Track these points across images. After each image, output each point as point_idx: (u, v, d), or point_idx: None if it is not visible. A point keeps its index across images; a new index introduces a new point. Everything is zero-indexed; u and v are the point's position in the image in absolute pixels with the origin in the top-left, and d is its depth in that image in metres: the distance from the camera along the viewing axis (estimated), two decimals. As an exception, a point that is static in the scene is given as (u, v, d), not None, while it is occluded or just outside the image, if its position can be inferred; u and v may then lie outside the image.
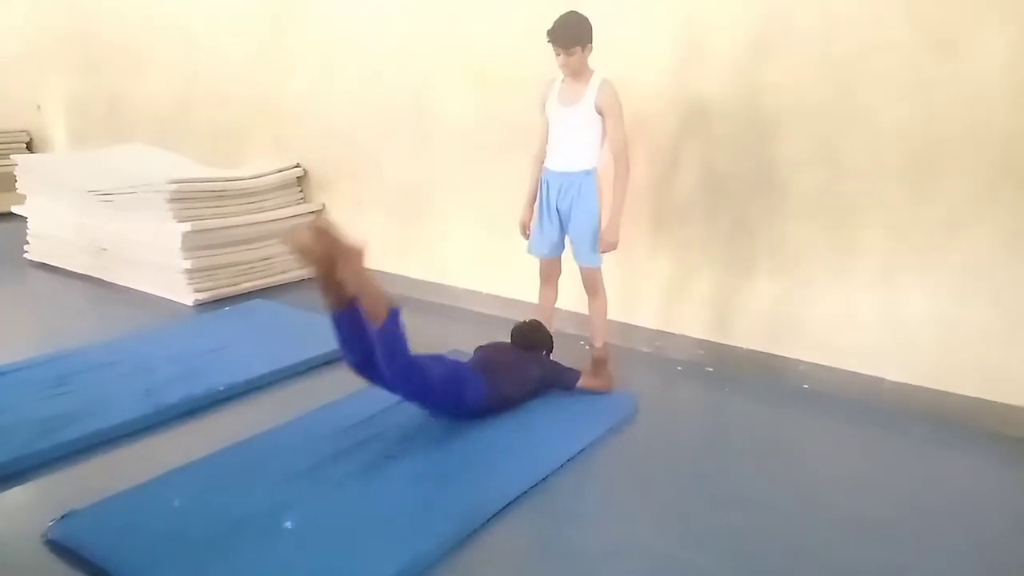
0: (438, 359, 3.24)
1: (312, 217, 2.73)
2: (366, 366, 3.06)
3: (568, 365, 3.64)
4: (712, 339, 4.18)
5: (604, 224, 3.65)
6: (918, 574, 2.45)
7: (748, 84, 3.80)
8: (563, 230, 3.76)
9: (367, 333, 2.91)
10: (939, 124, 3.39)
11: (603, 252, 3.69)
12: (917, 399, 3.60)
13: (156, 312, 4.81)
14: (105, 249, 5.32)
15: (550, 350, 3.74)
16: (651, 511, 2.76)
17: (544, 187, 3.74)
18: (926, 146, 3.43)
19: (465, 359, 3.45)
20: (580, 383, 3.58)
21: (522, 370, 3.45)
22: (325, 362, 3.97)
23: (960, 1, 3.27)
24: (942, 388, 3.56)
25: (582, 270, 3.78)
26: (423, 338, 4.30)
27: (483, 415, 3.27)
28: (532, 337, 3.68)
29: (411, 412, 3.30)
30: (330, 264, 2.82)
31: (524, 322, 3.75)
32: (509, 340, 3.68)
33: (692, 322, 4.23)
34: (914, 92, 3.42)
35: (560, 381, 3.58)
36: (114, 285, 5.29)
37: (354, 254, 2.84)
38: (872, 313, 3.69)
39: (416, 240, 5.25)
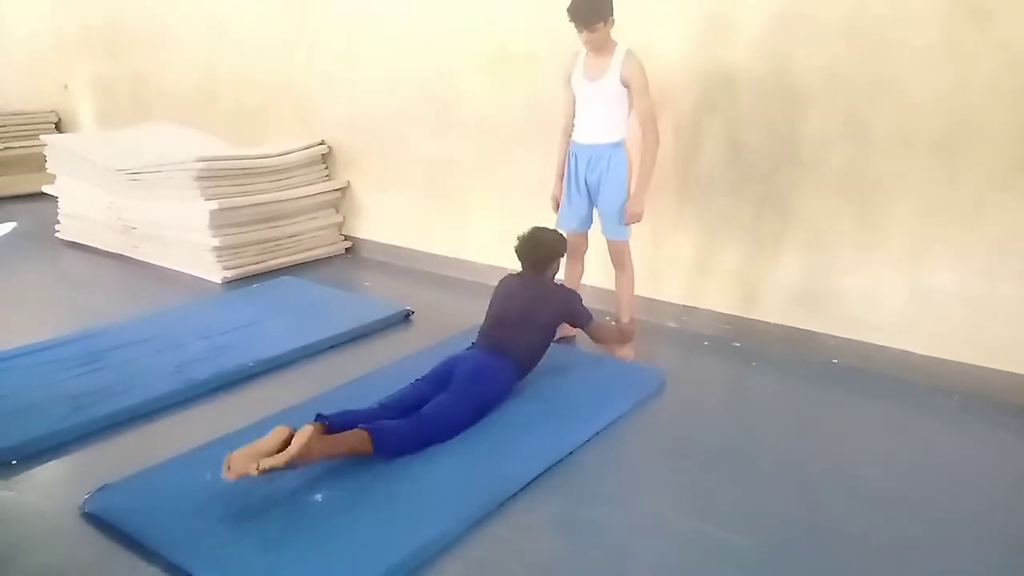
0: (454, 368, 3.13)
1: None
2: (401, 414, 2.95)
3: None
4: (739, 314, 4.15)
5: (630, 195, 3.62)
6: (947, 550, 2.43)
7: (775, 55, 3.73)
8: (591, 203, 3.74)
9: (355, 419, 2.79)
10: (970, 96, 3.32)
11: (628, 224, 3.67)
12: (946, 373, 3.56)
13: (185, 290, 4.87)
14: (134, 228, 5.37)
15: (561, 254, 3.55)
16: (677, 486, 2.76)
17: (572, 160, 3.72)
18: (956, 119, 3.37)
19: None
20: (593, 325, 3.51)
21: (534, 322, 3.33)
22: (353, 338, 4.01)
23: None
24: (971, 362, 3.51)
25: (610, 243, 3.77)
26: (450, 313, 4.36)
27: (519, 378, 3.29)
28: (540, 251, 3.46)
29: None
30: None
31: (525, 236, 3.49)
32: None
33: (719, 297, 4.20)
34: (945, 63, 3.34)
35: (575, 316, 3.48)
36: (144, 263, 5.35)
37: (291, 457, 2.50)
38: (901, 288, 3.64)
39: (440, 216, 5.25)
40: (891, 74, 3.48)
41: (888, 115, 3.52)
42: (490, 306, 3.48)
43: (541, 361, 3.41)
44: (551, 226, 3.69)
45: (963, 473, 2.89)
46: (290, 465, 2.48)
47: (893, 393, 3.54)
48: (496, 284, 3.58)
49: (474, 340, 3.39)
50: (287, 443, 2.55)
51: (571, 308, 3.48)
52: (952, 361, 3.56)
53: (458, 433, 2.96)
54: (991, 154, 3.32)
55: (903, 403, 3.46)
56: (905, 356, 3.67)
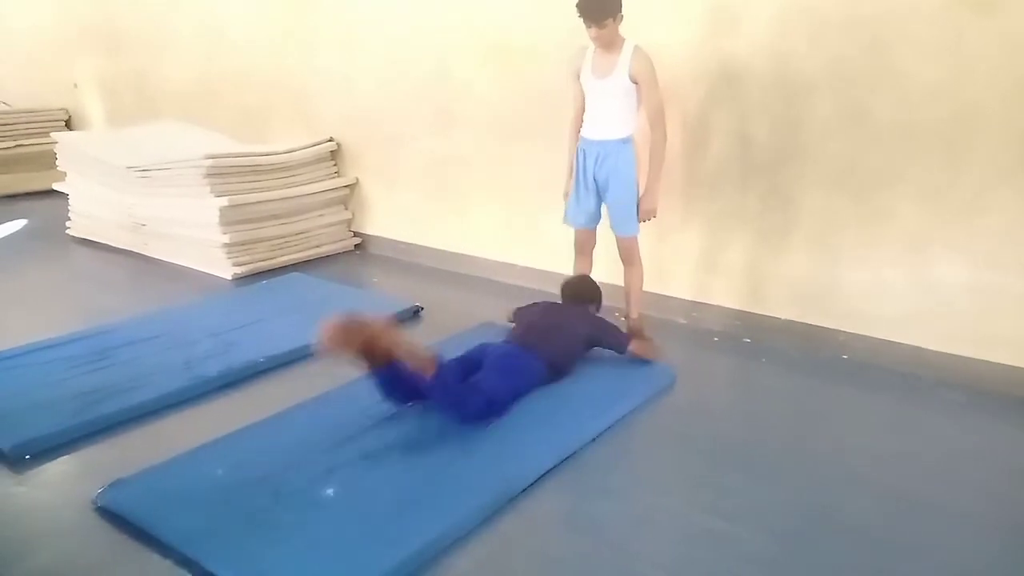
0: (484, 355, 3.19)
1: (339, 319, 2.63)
2: (410, 399, 3.06)
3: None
4: (748, 309, 4.14)
5: (642, 192, 3.62)
6: (954, 543, 2.43)
7: (778, 49, 3.72)
8: (600, 199, 3.74)
9: (407, 381, 2.91)
10: (972, 87, 3.31)
11: (642, 220, 3.67)
12: (955, 368, 3.55)
13: (195, 286, 4.88)
14: (144, 224, 5.39)
15: (599, 305, 3.75)
16: (686, 482, 2.76)
17: (581, 156, 3.72)
18: (959, 109, 3.36)
19: (498, 332, 3.43)
20: (631, 348, 3.55)
21: (570, 331, 3.44)
22: (361, 334, 4.00)
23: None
24: (980, 356, 3.51)
25: (619, 240, 3.77)
26: (459, 310, 4.36)
27: (548, 382, 3.31)
28: (581, 290, 3.73)
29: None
30: (366, 346, 2.79)
31: (572, 276, 3.83)
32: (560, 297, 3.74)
33: (727, 292, 4.19)
34: (948, 53, 3.33)
35: (608, 340, 3.56)
36: (154, 260, 5.37)
37: (386, 330, 2.80)
38: (907, 281, 3.63)
39: (446, 212, 5.25)
40: (893, 66, 3.47)
41: (891, 106, 3.51)
42: (521, 316, 3.61)
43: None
44: (558, 221, 3.76)
45: (970, 467, 2.88)
46: (365, 332, 2.72)
47: (902, 388, 3.53)
48: (528, 306, 3.70)
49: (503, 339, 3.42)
50: (388, 334, 2.77)
51: (603, 331, 3.56)
52: (959, 356, 3.55)
53: (499, 409, 3.02)
54: (993, 144, 3.31)
55: (911, 398, 3.45)
56: (914, 351, 3.66)
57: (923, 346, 3.64)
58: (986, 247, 3.41)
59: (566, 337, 3.41)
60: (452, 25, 4.85)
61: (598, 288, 3.78)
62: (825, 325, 3.91)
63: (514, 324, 3.62)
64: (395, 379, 2.92)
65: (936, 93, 3.39)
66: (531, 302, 3.79)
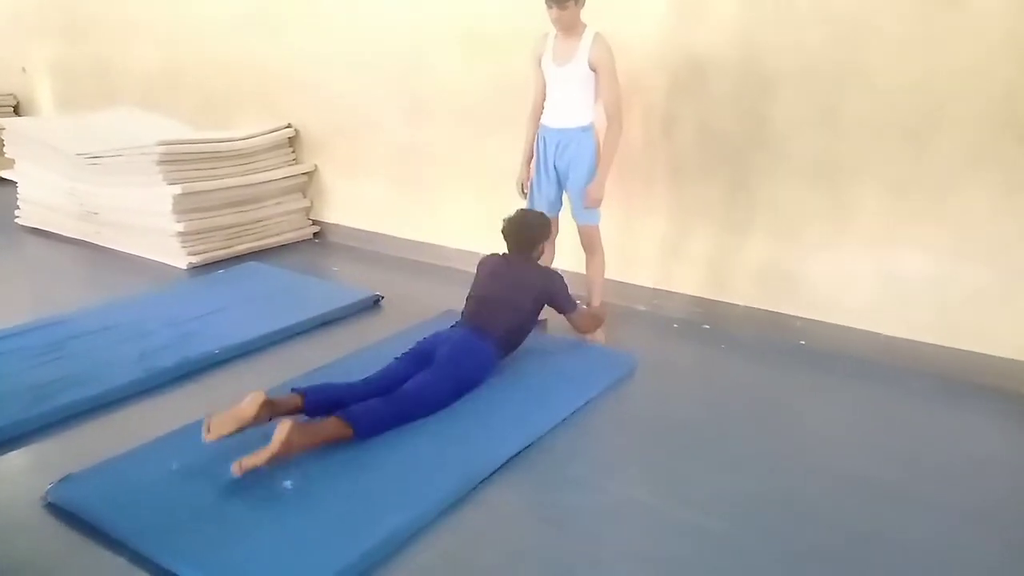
0: (436, 345, 3.14)
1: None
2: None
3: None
4: (709, 296, 4.16)
5: (592, 180, 3.61)
6: (918, 531, 2.46)
7: (745, 40, 3.74)
8: (561, 187, 3.73)
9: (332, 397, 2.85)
10: (940, 80, 3.35)
11: (587, 208, 3.66)
12: (914, 354, 3.60)
13: (149, 276, 4.78)
14: (96, 213, 5.26)
15: (547, 237, 3.57)
16: (649, 470, 2.77)
17: (541, 144, 3.70)
18: (925, 103, 3.40)
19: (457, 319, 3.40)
20: (574, 316, 3.52)
21: (521, 299, 3.35)
22: (321, 324, 3.97)
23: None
24: (939, 343, 3.56)
25: (580, 228, 3.76)
26: (420, 299, 4.33)
27: (500, 359, 3.31)
28: (527, 233, 3.47)
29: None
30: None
31: (512, 217, 3.50)
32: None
33: (689, 280, 4.21)
34: (914, 48, 3.37)
35: (557, 301, 3.48)
36: (107, 249, 5.25)
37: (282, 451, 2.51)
38: (869, 270, 3.68)
39: (411, 202, 5.20)
40: (863, 60, 3.49)
41: (858, 100, 3.54)
42: (473, 285, 3.49)
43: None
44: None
45: (932, 454, 2.92)
46: (271, 462, 2.47)
47: (862, 375, 3.57)
48: (478, 263, 3.57)
49: (456, 320, 3.38)
50: (264, 409, 2.61)
51: (555, 292, 3.47)
52: (919, 342, 3.61)
53: (437, 410, 2.97)
54: (958, 139, 3.35)
55: (870, 384, 3.50)
56: (872, 337, 3.71)
57: (882, 332, 3.68)
58: (948, 238, 3.46)
59: (517, 310, 3.34)
60: (424, 12, 4.78)
61: (543, 222, 3.54)
62: (784, 312, 3.95)
63: (468, 295, 3.48)
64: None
65: (903, 88, 3.42)
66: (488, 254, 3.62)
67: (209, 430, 2.56)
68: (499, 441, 2.81)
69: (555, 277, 3.50)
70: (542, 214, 3.61)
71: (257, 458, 2.45)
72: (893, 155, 3.51)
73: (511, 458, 2.73)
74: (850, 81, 3.54)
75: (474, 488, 2.56)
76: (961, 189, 3.38)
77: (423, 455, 2.70)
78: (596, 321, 3.72)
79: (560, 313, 3.54)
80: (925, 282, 3.55)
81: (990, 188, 3.33)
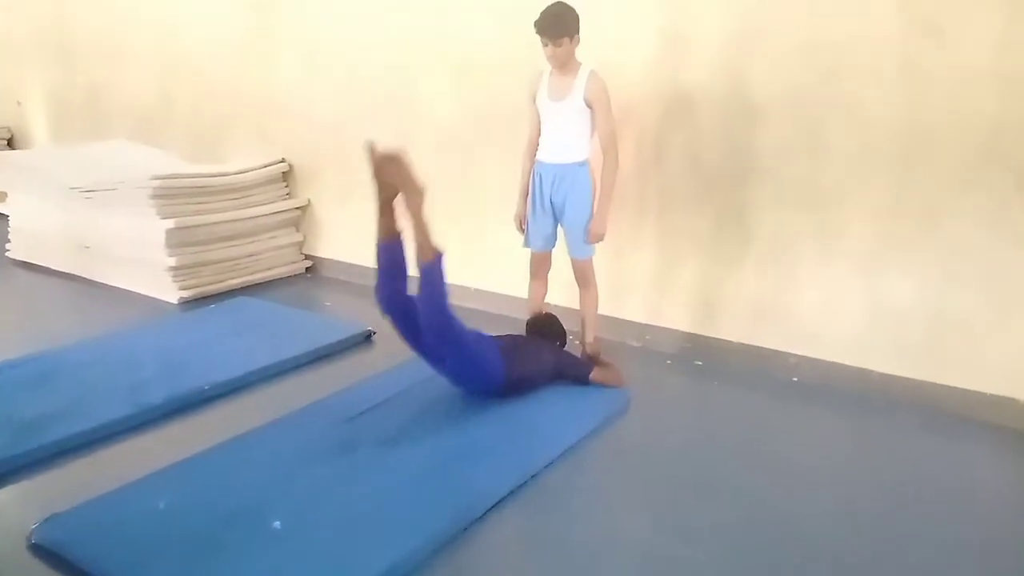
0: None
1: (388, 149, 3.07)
2: (393, 302, 3.26)
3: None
4: (700, 332, 4.16)
5: (593, 215, 3.63)
6: (908, 564, 2.44)
7: (734, 72, 3.77)
8: (556, 222, 3.75)
9: (403, 270, 3.25)
10: (925, 111, 3.37)
11: (590, 243, 3.68)
12: (905, 389, 3.60)
13: (140, 310, 4.76)
14: (88, 247, 5.25)
15: (564, 343, 3.79)
16: (643, 506, 2.75)
17: (537, 179, 3.72)
18: (911, 134, 3.42)
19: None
20: (593, 376, 3.58)
21: (537, 353, 3.50)
22: (313, 359, 3.94)
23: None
24: (929, 379, 3.56)
25: (575, 262, 3.77)
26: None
27: (501, 394, 3.32)
28: (547, 328, 3.78)
29: (399, 407, 3.27)
30: (395, 191, 3.12)
31: (539, 314, 3.88)
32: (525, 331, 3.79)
33: (680, 315, 4.21)
34: (901, 80, 3.40)
35: (573, 371, 3.59)
36: (98, 283, 5.22)
37: (418, 191, 3.08)
38: (859, 303, 3.68)
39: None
40: (847, 90, 3.53)
41: (844, 130, 3.57)
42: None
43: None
44: (517, 243, 3.83)
45: (923, 489, 2.91)
46: (403, 177, 3.10)
47: (854, 410, 3.57)
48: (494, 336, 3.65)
49: None
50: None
51: (567, 364, 3.61)
52: (909, 378, 3.60)
53: (447, 328, 3.15)
54: (942, 169, 3.38)
55: (864, 420, 3.49)
56: (863, 374, 3.71)
57: (874, 368, 3.69)
58: (936, 269, 3.47)
59: (534, 361, 3.46)
60: (414, 43, 4.82)
61: (563, 328, 3.83)
62: (775, 347, 3.94)
63: None
64: (393, 257, 3.23)
65: (889, 119, 3.46)
66: (496, 334, 3.72)
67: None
68: (493, 478, 2.78)
69: (568, 353, 3.70)
70: (561, 325, 3.84)
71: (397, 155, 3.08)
72: (880, 185, 3.53)
73: (505, 496, 2.70)
74: (835, 111, 3.57)
75: (468, 526, 2.53)
76: (947, 218, 3.41)
77: (416, 492, 2.67)
78: (613, 372, 3.70)
79: (582, 384, 3.57)
80: (914, 312, 3.55)
81: (976, 217, 3.35)
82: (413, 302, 3.20)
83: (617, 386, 3.61)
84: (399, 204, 3.12)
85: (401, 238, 3.22)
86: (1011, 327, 3.36)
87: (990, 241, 3.34)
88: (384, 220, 3.21)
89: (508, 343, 3.51)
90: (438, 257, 3.08)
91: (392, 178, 3.12)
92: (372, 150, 3.15)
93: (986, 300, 3.39)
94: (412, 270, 3.24)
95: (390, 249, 3.24)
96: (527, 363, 3.41)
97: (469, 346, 3.22)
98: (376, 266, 3.26)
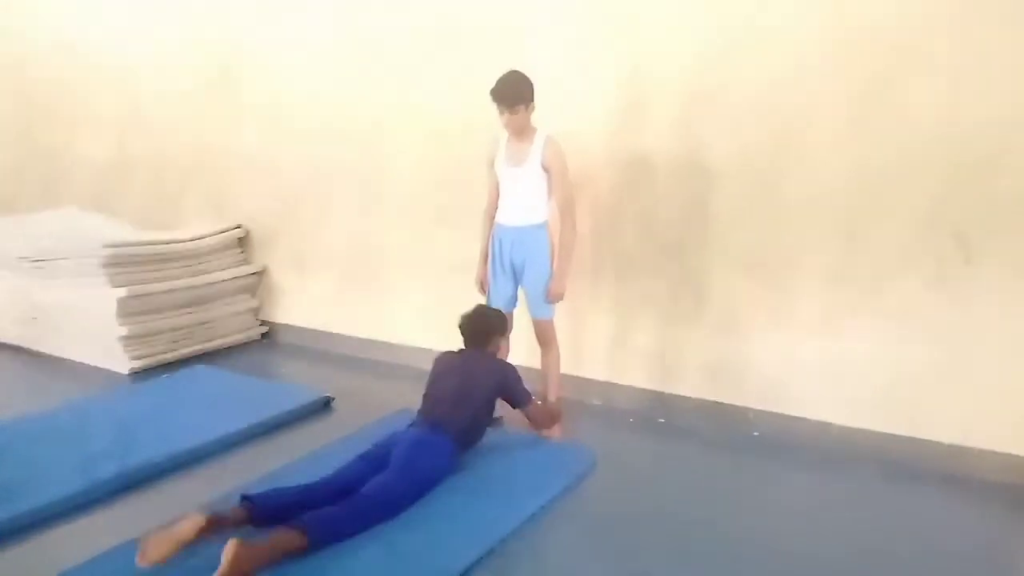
0: (393, 445, 3.08)
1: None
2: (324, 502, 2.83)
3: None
4: (661, 389, 4.18)
5: (552, 275, 3.67)
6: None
7: (688, 137, 3.88)
8: (516, 283, 3.78)
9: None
10: (872, 174, 3.51)
11: (550, 303, 3.71)
12: (863, 442, 3.65)
13: (90, 382, 4.63)
14: (35, 317, 5.12)
15: (503, 333, 3.67)
16: (611, 566, 2.70)
17: (497, 243, 3.76)
18: (859, 195, 3.55)
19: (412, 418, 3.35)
20: (530, 409, 3.51)
21: (478, 393, 3.35)
22: (270, 428, 3.86)
23: (892, 51, 3.41)
24: (886, 430, 3.62)
25: (536, 323, 3.79)
26: (372, 398, 4.26)
27: (458, 455, 3.26)
28: (482, 328, 3.56)
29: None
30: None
31: (469, 312, 3.60)
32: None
33: (640, 374, 4.23)
34: (848, 141, 3.54)
35: (513, 395, 3.47)
36: (45, 355, 5.08)
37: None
38: (814, 359, 3.75)
39: (362, 299, 5.17)
40: (798, 154, 3.65)
41: (797, 190, 3.68)
42: (428, 383, 3.46)
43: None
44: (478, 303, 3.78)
45: (886, 540, 2.93)
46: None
47: (815, 464, 3.59)
48: (434, 360, 3.58)
49: (412, 419, 3.33)
50: (206, 528, 2.49)
51: (508, 384, 3.46)
52: (867, 430, 3.66)
53: (396, 514, 2.88)
54: (894, 225, 3.50)
55: (825, 473, 3.52)
56: (822, 427, 3.75)
57: (833, 422, 3.73)
58: (887, 326, 3.56)
59: (473, 404, 3.32)
60: (377, 109, 4.87)
61: (500, 318, 3.67)
62: (735, 403, 3.98)
63: (424, 392, 3.47)
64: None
65: (838, 179, 3.58)
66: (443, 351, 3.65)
67: (144, 554, 2.41)
68: (456, 551, 2.70)
69: (509, 369, 3.52)
70: (499, 311, 3.68)
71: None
72: (831, 242, 3.64)
73: (472, 565, 2.64)
74: (786, 173, 3.69)
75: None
76: (898, 275, 3.51)
77: (379, 568, 2.59)
78: (552, 417, 3.70)
79: (514, 408, 3.52)
80: (868, 368, 3.63)
81: (924, 275, 3.46)
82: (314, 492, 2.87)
83: (547, 429, 3.65)
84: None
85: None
86: (960, 380, 3.46)
87: (935, 298, 3.45)
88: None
89: (440, 387, 3.37)
90: (310, 540, 2.59)
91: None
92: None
93: (935, 355, 3.49)
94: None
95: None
96: (463, 409, 3.27)
97: (410, 492, 2.99)
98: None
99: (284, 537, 2.56)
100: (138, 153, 6.24)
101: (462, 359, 3.49)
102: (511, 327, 3.91)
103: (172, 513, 2.85)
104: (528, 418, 3.57)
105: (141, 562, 2.40)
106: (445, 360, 3.53)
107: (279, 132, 5.37)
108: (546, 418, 3.65)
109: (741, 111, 3.74)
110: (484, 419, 3.41)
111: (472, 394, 3.33)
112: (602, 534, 2.95)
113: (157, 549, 2.41)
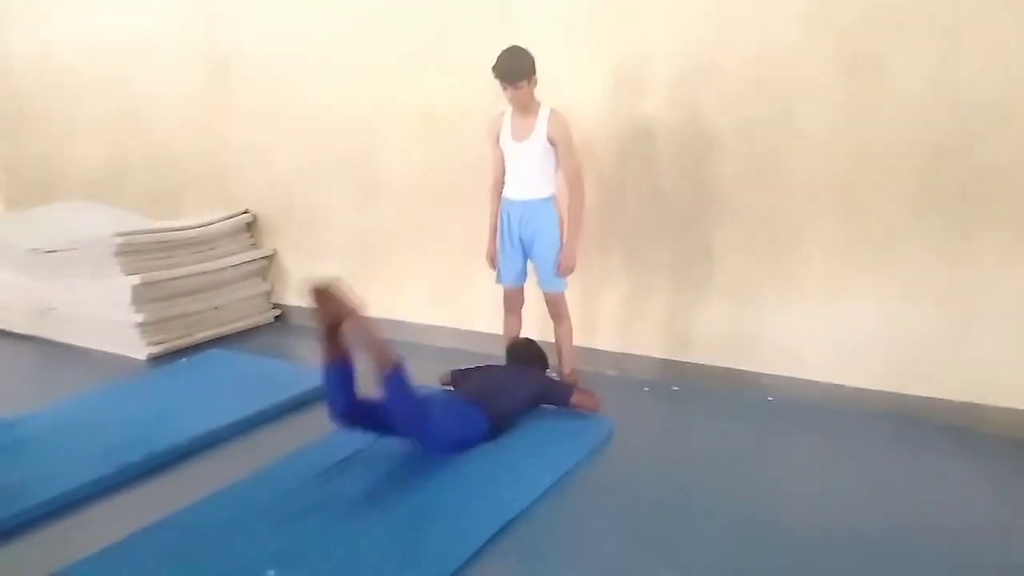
0: (436, 401, 3.28)
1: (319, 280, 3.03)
2: (348, 416, 3.17)
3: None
4: (675, 358, 4.22)
5: (562, 248, 3.69)
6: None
7: (689, 109, 3.90)
8: (526, 258, 3.80)
9: (351, 379, 3.12)
10: (872, 142, 3.54)
11: (562, 276, 3.73)
12: (876, 402, 3.70)
13: (109, 370, 4.67)
14: (52, 308, 5.17)
15: (545, 366, 3.82)
16: (630, 536, 2.74)
17: (505, 217, 3.78)
18: (860, 161, 3.58)
19: (442, 391, 3.45)
20: (573, 400, 3.61)
21: (514, 391, 3.49)
22: (290, 408, 3.90)
23: (885, 26, 3.44)
24: (897, 391, 3.67)
25: (547, 296, 3.82)
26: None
27: (489, 440, 3.33)
28: (528, 354, 3.81)
29: (380, 455, 3.25)
30: (337, 319, 3.00)
31: (518, 340, 3.92)
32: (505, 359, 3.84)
33: (654, 343, 4.27)
34: (845, 113, 3.57)
35: (553, 397, 3.63)
36: (63, 345, 5.13)
37: (356, 316, 3.01)
38: (824, 324, 3.80)
39: (371, 279, 5.18)
40: (797, 122, 3.68)
41: (797, 162, 3.71)
42: (463, 381, 3.67)
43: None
44: (488, 281, 3.92)
45: (900, 500, 2.97)
46: (339, 307, 2.99)
47: (829, 425, 3.63)
48: (454, 374, 3.78)
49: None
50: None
51: (547, 390, 3.65)
52: (879, 391, 3.70)
53: (431, 434, 3.15)
54: (892, 194, 3.54)
55: (839, 434, 3.55)
56: (835, 389, 3.79)
57: (845, 383, 3.78)
58: (893, 290, 3.60)
59: (511, 398, 3.45)
60: (376, 94, 4.88)
61: (543, 352, 3.85)
62: (749, 369, 4.02)
63: (453, 388, 3.61)
64: (340, 375, 3.10)
65: (838, 146, 3.60)
66: (471, 365, 3.79)
67: None
68: (478, 520, 2.75)
69: (546, 379, 3.74)
70: (542, 349, 3.89)
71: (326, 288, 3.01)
72: (836, 208, 3.67)
73: (492, 536, 2.68)
74: (786, 141, 3.72)
75: (455, 571, 2.49)
76: (900, 237, 3.56)
77: (400, 541, 2.64)
78: (594, 400, 3.72)
79: (562, 406, 3.62)
80: (877, 330, 3.67)
81: (927, 238, 3.51)
82: (367, 403, 3.16)
83: (595, 411, 3.64)
84: (344, 329, 3.00)
85: (347, 356, 3.11)
86: (967, 338, 3.51)
87: (939, 261, 3.50)
88: (329, 344, 3.09)
89: (480, 380, 3.53)
90: (397, 368, 2.99)
91: (331, 307, 3.04)
92: (310, 287, 3.07)
93: (942, 315, 3.53)
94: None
95: (337, 368, 3.13)
96: (503, 401, 3.42)
97: (451, 431, 3.20)
98: (325, 384, 3.17)
99: (384, 351, 2.96)
100: (134, 151, 6.23)
101: (501, 369, 3.71)
102: (522, 301, 3.94)
103: (200, 493, 2.93)
104: (575, 408, 3.63)
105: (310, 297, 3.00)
106: (483, 368, 3.71)
107: (275, 125, 5.38)
108: (591, 403, 3.68)
109: (741, 83, 3.76)
110: (516, 417, 3.49)
111: (514, 393, 3.49)
112: (619, 503, 2.99)
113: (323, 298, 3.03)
